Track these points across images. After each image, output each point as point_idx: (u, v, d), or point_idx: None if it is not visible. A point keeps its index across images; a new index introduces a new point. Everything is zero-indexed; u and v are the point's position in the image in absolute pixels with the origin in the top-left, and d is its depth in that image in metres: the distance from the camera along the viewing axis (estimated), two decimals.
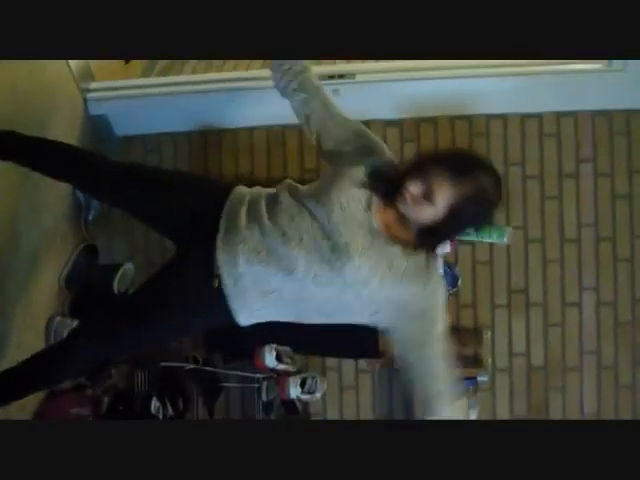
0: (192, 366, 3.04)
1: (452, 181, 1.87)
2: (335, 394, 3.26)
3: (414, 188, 1.89)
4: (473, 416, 3.11)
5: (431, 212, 1.89)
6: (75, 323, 2.98)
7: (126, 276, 3.11)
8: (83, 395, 3.01)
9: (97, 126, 3.22)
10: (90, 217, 3.18)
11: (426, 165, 1.92)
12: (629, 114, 3.16)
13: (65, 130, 2.96)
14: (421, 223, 1.93)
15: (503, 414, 3.24)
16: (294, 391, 2.99)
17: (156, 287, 2.16)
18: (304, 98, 2.14)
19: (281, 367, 2.99)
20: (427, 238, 1.97)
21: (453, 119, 3.24)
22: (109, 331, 2.16)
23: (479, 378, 3.12)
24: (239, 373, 3.05)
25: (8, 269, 2.68)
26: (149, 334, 2.16)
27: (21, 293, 2.77)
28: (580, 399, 3.25)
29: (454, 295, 3.18)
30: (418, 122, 3.25)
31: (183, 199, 2.13)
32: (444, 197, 1.87)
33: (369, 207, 1.96)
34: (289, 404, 3.07)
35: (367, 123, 3.21)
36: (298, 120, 2.19)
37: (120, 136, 3.36)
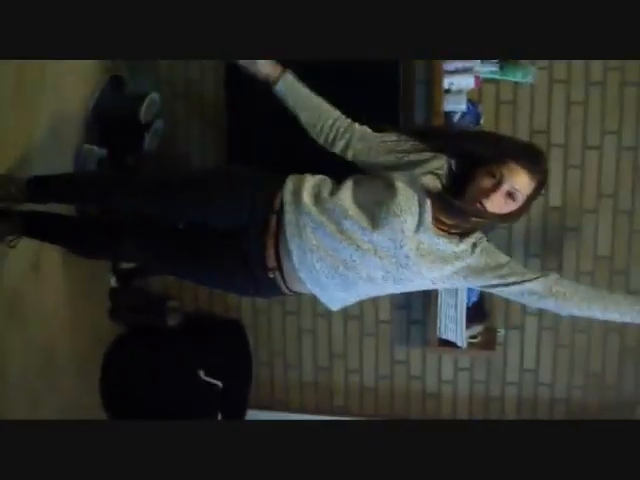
0: None
1: (531, 179, 1.97)
2: None
3: (496, 197, 1.96)
4: None
5: (512, 206, 1.99)
6: (103, 151, 3.06)
7: (152, 106, 3.15)
8: None
9: None
10: None
11: (501, 165, 1.96)
12: None
13: None
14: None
15: (518, 253, 3.33)
16: None
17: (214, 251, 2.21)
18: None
19: None
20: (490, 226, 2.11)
21: None
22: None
23: None
24: None
25: (36, 101, 2.73)
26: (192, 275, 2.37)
27: (50, 122, 2.83)
28: (594, 241, 3.32)
29: None
30: None
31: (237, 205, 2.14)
32: (525, 194, 1.98)
33: (424, 207, 2.01)
34: None
35: None
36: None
37: None
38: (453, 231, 2.04)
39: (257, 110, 3.14)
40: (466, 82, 3.01)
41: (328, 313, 3.48)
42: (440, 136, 2.16)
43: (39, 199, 2.43)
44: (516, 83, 3.16)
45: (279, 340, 3.63)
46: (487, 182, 1.96)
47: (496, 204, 1.96)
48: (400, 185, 2.00)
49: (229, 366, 3.28)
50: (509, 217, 2.04)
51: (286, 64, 2.18)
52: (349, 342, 3.58)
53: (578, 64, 3.18)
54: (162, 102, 3.23)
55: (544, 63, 3.17)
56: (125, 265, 3.27)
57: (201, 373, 3.17)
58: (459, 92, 3.03)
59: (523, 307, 3.38)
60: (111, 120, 3.14)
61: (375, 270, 2.03)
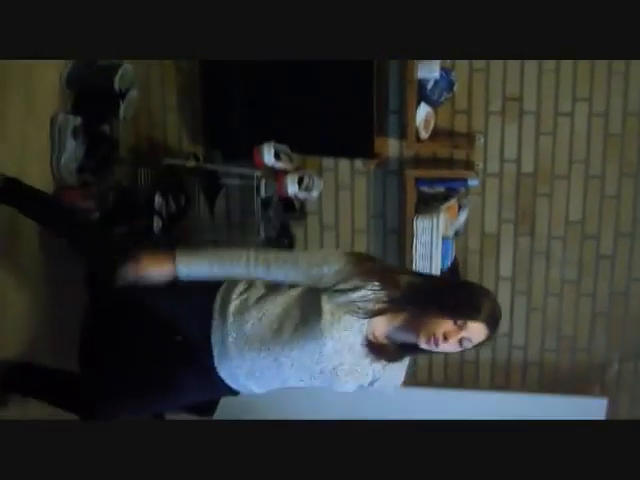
0: (193, 163, 3.14)
1: (486, 336, 1.97)
2: (331, 194, 3.39)
3: (452, 342, 1.94)
4: (463, 217, 3.25)
5: (455, 349, 1.99)
6: (78, 120, 3.06)
7: (126, 75, 3.15)
8: (88, 191, 3.13)
9: None
10: None
11: (470, 319, 1.94)
12: None
13: None
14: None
15: (491, 218, 3.38)
16: (292, 188, 3.09)
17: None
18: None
19: (279, 165, 3.08)
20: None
21: None
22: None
23: (470, 182, 3.22)
24: (238, 170, 3.15)
25: (10, 72, 2.72)
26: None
27: (24, 93, 2.82)
28: (566, 206, 3.38)
29: (449, 100, 3.24)
30: None
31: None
32: (477, 340, 1.97)
33: (361, 331, 1.99)
34: (287, 202, 3.19)
35: None
36: None
37: None
38: (383, 356, 2.04)
39: (231, 76, 3.17)
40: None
41: None
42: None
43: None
44: None
45: None
46: (449, 326, 1.94)
47: (449, 347, 1.95)
48: (326, 308, 1.97)
49: None
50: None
51: None
52: None
53: None
54: (136, 70, 3.23)
55: None
56: None
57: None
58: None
59: (496, 271, 3.44)
60: (85, 89, 3.14)
61: (289, 379, 2.05)
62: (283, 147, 3.08)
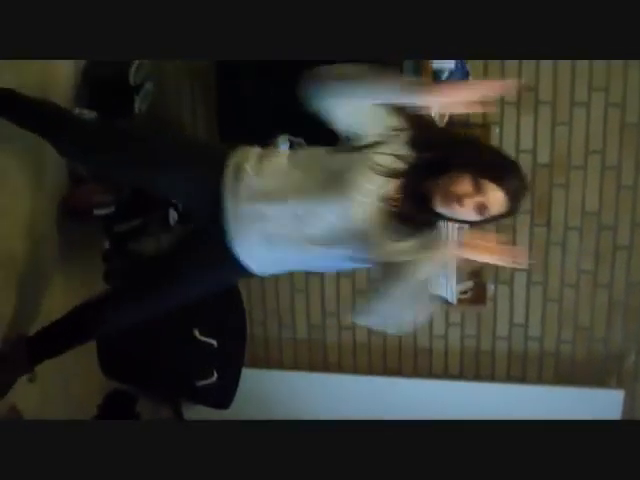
0: None
1: (506, 205, 1.83)
2: None
3: (468, 205, 1.82)
4: None
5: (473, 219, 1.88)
6: (93, 115, 3.06)
7: (141, 68, 3.15)
8: (104, 185, 3.14)
9: None
10: None
11: (488, 179, 1.81)
12: None
13: None
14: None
15: None
16: None
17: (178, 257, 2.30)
18: None
19: None
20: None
21: None
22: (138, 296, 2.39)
23: None
24: None
25: (26, 64, 2.71)
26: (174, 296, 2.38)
27: (40, 86, 2.83)
28: (582, 197, 3.37)
29: None
30: None
31: (184, 176, 2.17)
32: (493, 214, 1.85)
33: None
34: None
35: None
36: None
37: None
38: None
39: (246, 68, 3.16)
40: None
41: (321, 273, 3.53)
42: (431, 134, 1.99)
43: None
44: None
45: (272, 299, 3.68)
46: (466, 187, 1.81)
47: (465, 211, 1.82)
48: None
49: (224, 325, 3.32)
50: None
51: None
52: (341, 300, 3.63)
53: None
54: (151, 64, 3.23)
55: None
56: (118, 228, 3.29)
57: (196, 332, 3.22)
58: None
59: None
60: (101, 83, 3.15)
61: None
62: (298, 140, 3.08)
